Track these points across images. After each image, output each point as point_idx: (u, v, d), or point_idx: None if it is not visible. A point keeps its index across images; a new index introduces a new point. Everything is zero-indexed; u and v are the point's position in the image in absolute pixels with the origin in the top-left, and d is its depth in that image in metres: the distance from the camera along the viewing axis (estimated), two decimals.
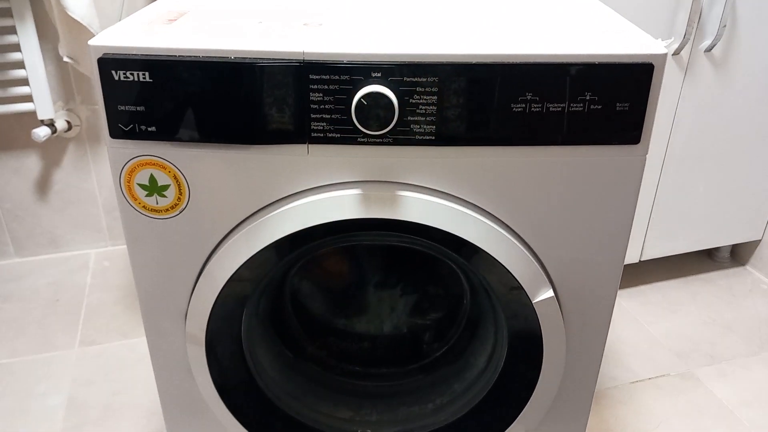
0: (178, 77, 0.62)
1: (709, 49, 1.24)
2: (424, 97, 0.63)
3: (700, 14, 1.20)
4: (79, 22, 1.19)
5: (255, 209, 0.70)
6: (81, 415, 1.16)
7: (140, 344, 1.34)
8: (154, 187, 0.69)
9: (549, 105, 0.64)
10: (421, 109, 0.64)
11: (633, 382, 1.26)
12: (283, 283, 0.92)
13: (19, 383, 1.24)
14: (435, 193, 0.69)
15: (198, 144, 0.66)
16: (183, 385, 0.82)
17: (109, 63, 0.62)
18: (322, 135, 0.65)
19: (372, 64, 0.62)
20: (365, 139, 0.65)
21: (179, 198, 0.69)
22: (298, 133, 0.65)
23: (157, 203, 0.70)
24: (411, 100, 0.63)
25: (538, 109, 0.64)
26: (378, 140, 0.65)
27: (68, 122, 1.49)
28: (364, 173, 0.68)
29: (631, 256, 1.45)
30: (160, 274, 0.74)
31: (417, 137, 0.65)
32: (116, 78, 0.62)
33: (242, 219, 0.71)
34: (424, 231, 0.69)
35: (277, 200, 0.70)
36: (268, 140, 0.65)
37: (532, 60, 0.62)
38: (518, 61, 0.62)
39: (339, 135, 0.65)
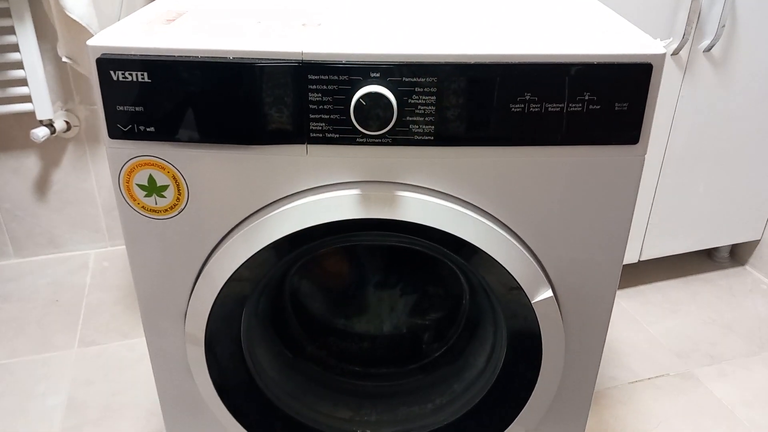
0: (177, 77, 0.62)
1: (708, 49, 1.24)
2: (423, 98, 0.63)
3: (699, 14, 1.20)
4: (77, 22, 1.19)
5: (254, 209, 0.70)
6: (80, 416, 1.16)
7: (140, 344, 1.34)
8: (153, 188, 0.69)
9: (548, 105, 0.64)
10: (420, 109, 0.63)
11: (632, 382, 1.26)
12: (283, 283, 0.92)
13: (19, 383, 1.24)
14: (434, 194, 0.69)
15: (197, 144, 0.66)
16: (182, 386, 0.82)
17: (107, 63, 0.62)
18: (320, 135, 0.65)
19: (371, 64, 0.62)
20: (364, 140, 0.65)
21: (178, 198, 0.69)
22: (297, 134, 0.65)
23: (156, 203, 0.70)
24: (410, 101, 0.63)
25: (536, 109, 0.64)
26: (377, 140, 0.65)
27: (67, 122, 1.49)
28: (363, 173, 0.68)
29: (631, 256, 1.45)
30: (159, 274, 0.74)
31: (416, 137, 0.65)
32: (115, 78, 0.62)
33: (241, 219, 0.71)
34: (423, 231, 0.69)
35: (277, 200, 0.70)
36: (267, 140, 0.65)
37: (531, 60, 0.62)
38: (517, 61, 0.62)
39: (338, 135, 0.65)
